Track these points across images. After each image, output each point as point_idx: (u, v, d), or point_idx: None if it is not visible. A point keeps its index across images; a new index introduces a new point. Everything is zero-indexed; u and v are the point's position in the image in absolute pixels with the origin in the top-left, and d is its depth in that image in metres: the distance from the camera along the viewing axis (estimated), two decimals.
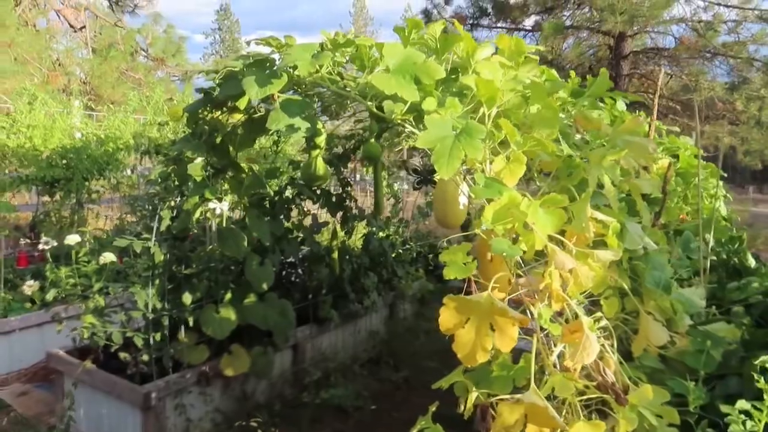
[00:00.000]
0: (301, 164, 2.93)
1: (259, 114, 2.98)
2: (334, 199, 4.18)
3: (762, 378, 1.67)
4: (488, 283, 2.12)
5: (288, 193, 3.74)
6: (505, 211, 1.96)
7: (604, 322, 2.06)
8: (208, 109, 2.80)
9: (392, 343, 4.80)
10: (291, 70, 2.37)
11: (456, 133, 1.95)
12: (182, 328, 3.32)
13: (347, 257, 4.36)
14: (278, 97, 2.35)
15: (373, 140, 2.53)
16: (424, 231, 5.55)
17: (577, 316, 1.89)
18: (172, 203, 3.10)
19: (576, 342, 1.83)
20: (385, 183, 4.46)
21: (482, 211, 2.02)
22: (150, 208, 3.29)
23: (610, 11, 10.66)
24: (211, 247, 3.39)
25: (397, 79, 2.09)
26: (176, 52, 15.35)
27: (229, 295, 3.51)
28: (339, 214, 4.30)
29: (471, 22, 14.78)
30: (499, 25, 14.71)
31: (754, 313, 2.25)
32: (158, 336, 3.18)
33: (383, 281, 4.80)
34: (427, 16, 15.14)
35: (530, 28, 14.76)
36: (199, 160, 2.76)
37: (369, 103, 2.21)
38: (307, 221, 4.23)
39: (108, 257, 3.10)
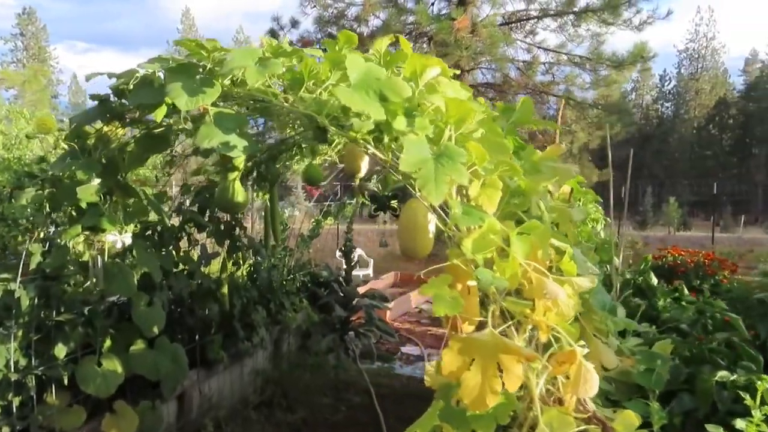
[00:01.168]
0: (216, 189, 2.56)
1: (159, 129, 2.57)
2: (222, 227, 3.78)
3: (745, 394, 1.74)
4: (465, 316, 1.99)
5: (173, 221, 3.29)
6: (484, 240, 1.85)
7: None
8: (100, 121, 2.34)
9: (282, 382, 4.44)
10: (222, 80, 2.06)
11: (434, 156, 1.80)
12: (51, 387, 2.72)
13: (236, 291, 3.96)
14: (209, 109, 2.02)
15: (315, 162, 2.28)
16: (304, 259, 5.27)
17: (561, 347, 1.82)
18: (41, 235, 2.53)
19: (569, 373, 1.75)
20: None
21: (459, 240, 1.89)
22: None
23: (456, 46, 11.32)
24: (87, 286, 2.84)
25: (361, 95, 1.89)
26: None
27: (109, 343, 2.96)
28: (226, 244, 3.90)
29: (318, 47, 14.80)
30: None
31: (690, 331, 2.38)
32: (17, 401, 2.57)
33: (270, 315, 4.44)
34: (274, 36, 14.89)
35: None
36: (95, 181, 2.28)
37: (322, 121, 1.98)
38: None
39: None
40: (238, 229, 3.85)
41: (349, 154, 2.68)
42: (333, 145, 3.77)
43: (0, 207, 4.41)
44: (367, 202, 4.10)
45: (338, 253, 7.40)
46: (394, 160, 2.02)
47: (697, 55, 50.79)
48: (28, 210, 4.54)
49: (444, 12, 14.13)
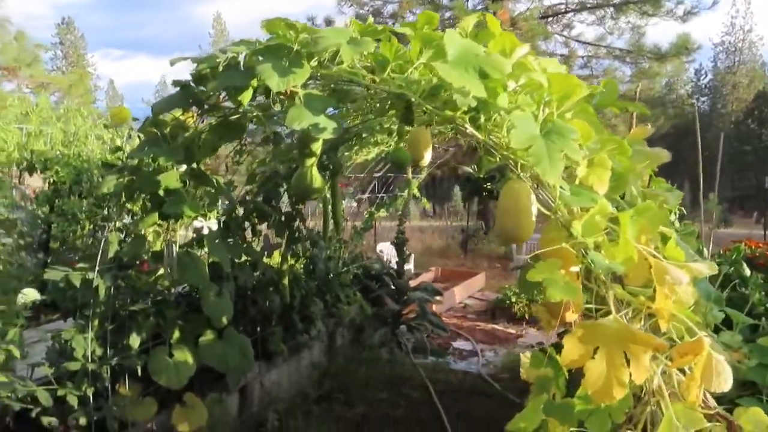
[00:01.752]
0: (294, 175, 2.49)
1: (235, 116, 2.50)
2: (283, 218, 3.72)
3: None
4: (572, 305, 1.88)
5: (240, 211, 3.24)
6: (594, 222, 1.74)
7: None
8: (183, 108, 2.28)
9: (339, 376, 4.38)
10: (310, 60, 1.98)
11: (543, 133, 1.69)
12: (124, 378, 2.69)
13: (295, 283, 3.90)
14: (299, 91, 1.94)
15: (402, 145, 2.18)
16: (356, 252, 5.21)
17: (682, 338, 1.70)
18: (118, 224, 2.49)
19: (692, 365, 1.62)
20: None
21: (567, 223, 1.78)
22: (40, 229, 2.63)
23: None
24: (158, 276, 2.80)
25: (460, 72, 1.79)
26: (32, 62, 13.55)
27: (177, 334, 2.92)
28: (286, 235, 3.84)
29: None
30: None
31: None
32: (91, 391, 2.53)
33: (326, 307, 4.38)
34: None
35: None
36: (181, 168, 2.23)
37: (416, 100, 1.88)
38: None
39: (30, 295, 2.41)
40: (298, 220, 3.79)
41: (414, 141, 2.58)
42: (394, 134, 3.69)
43: (60, 202, 4.44)
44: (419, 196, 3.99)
45: (378, 248, 7.31)
46: (491, 140, 1.93)
47: (733, 48, 49.38)
48: (84, 205, 4.57)
49: (480, 7, 13.94)
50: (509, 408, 4.16)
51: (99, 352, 2.54)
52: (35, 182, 4.81)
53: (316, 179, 2.45)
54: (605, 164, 1.78)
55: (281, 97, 2.04)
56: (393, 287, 5.39)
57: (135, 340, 2.63)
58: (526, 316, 6.99)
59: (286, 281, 3.73)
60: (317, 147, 2.44)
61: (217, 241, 2.89)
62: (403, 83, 1.98)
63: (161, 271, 2.88)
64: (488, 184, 2.31)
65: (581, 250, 1.73)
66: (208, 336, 2.97)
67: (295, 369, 4.15)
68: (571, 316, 1.89)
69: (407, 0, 11.45)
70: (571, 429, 1.77)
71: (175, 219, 2.42)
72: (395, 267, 5.41)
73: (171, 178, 2.26)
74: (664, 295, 1.64)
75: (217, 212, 2.72)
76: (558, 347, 3.20)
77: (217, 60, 2.14)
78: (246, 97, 2.04)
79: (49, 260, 4.69)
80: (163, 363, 2.74)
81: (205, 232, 2.33)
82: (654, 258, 1.67)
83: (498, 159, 1.94)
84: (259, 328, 3.65)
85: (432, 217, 21.84)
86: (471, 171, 2.20)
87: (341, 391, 4.21)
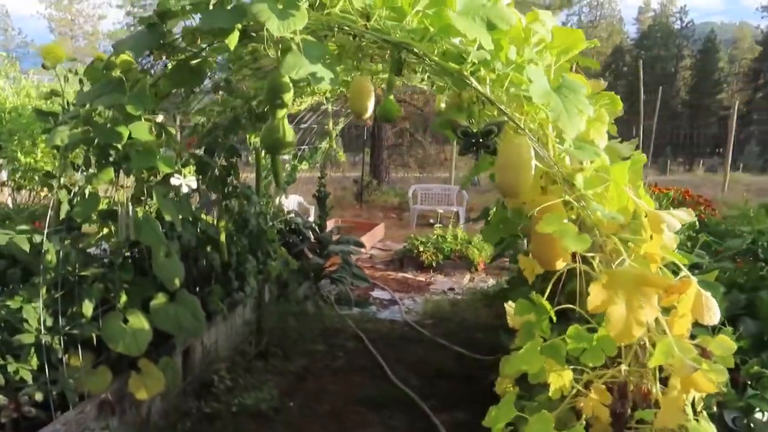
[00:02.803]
0: (264, 128, 2.36)
1: (195, 61, 2.31)
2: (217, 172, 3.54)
3: None
4: (552, 252, 2.00)
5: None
6: (596, 175, 1.85)
7: None
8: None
9: (273, 331, 4.34)
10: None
11: (555, 89, 1.75)
12: (76, 348, 2.48)
13: (230, 240, 3.76)
14: (294, 36, 1.84)
15: (391, 97, 2.13)
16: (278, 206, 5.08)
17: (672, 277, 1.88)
18: (70, 181, 2.23)
19: (679, 302, 1.81)
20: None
21: (569, 176, 1.87)
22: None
23: None
24: (104, 237, 2.57)
25: (468, 22, 1.78)
26: None
27: (124, 298, 2.72)
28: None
29: None
30: None
31: None
32: (36, 363, 2.32)
33: (258, 264, 4.28)
34: None
35: None
36: (158, 117, 2.02)
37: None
38: None
39: None
40: (232, 175, 3.62)
41: (357, 92, 2.52)
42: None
43: None
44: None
45: (293, 200, 7.19)
46: (491, 93, 1.95)
47: (595, 3, 52.95)
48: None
49: None
50: (440, 350, 4.41)
51: (49, 322, 2.32)
52: None
53: (288, 132, 2.35)
54: (603, 119, 1.89)
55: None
56: (315, 241, 5.36)
57: (88, 308, 2.42)
58: (434, 264, 7.29)
59: (223, 238, 3.58)
60: (289, 98, 2.32)
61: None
62: (402, 31, 1.93)
63: (104, 231, 2.64)
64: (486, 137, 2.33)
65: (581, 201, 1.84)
66: (160, 299, 2.81)
67: (230, 327, 4.04)
68: (560, 264, 2.03)
69: None
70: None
71: (135, 174, 2.21)
72: (314, 219, 5.37)
73: (141, 128, 2.04)
74: (657, 240, 1.80)
75: (192, 167, 2.51)
76: (509, 292, 3.36)
77: None
78: (233, 39, 1.89)
79: None
80: (119, 330, 2.55)
81: (185, 190, 2.14)
82: (646, 207, 1.82)
83: (496, 113, 1.98)
84: (198, 288, 3.49)
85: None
86: (467, 125, 2.19)
87: (277, 346, 4.19)
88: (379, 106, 2.15)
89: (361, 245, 5.73)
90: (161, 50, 2.07)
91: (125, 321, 2.60)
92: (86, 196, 2.24)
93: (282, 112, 2.34)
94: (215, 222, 3.58)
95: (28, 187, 4.90)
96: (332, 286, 5.54)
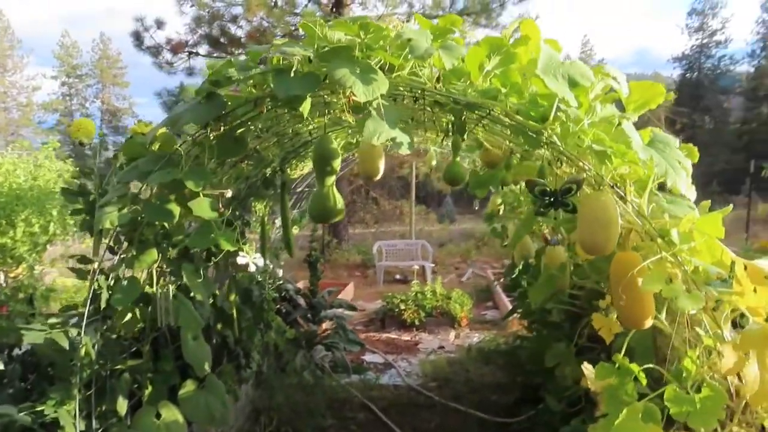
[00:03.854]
0: (312, 196, 2.23)
1: (240, 130, 2.19)
2: None
3: None
4: (643, 311, 1.94)
5: None
6: (688, 229, 1.82)
7: None
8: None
9: (280, 408, 4.05)
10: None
11: (648, 143, 1.73)
12: None
13: (239, 314, 3.52)
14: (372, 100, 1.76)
15: (458, 159, 2.04)
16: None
17: None
18: (99, 267, 2.01)
19: None
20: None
21: (663, 232, 1.83)
22: None
23: None
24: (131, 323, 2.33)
25: (551, 80, 1.76)
26: None
27: (150, 389, 2.46)
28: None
29: (188, 50, 13.84)
30: (219, 54, 14.08)
31: None
32: None
33: (262, 337, 4.03)
34: (138, 39, 13.63)
35: None
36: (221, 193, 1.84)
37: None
38: None
39: None
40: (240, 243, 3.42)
41: (368, 154, 2.45)
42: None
43: None
44: None
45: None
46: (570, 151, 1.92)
47: None
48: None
49: (319, 14, 13.95)
50: (455, 415, 4.24)
51: (82, 424, 2.04)
52: None
53: (339, 200, 2.23)
54: (688, 171, 1.88)
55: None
56: (307, 307, 5.14)
57: (122, 405, 2.16)
58: (416, 322, 7.14)
59: (235, 313, 3.35)
60: (338, 164, 2.23)
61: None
62: (475, 92, 1.89)
63: (128, 316, 2.40)
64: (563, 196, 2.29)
65: (678, 258, 1.80)
66: (188, 387, 2.56)
67: (238, 408, 3.75)
68: (648, 322, 1.97)
69: (255, 3, 11.01)
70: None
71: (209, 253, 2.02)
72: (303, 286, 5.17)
73: (203, 205, 1.87)
74: (763, 293, 1.77)
75: (255, 245, 2.32)
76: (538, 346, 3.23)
77: (240, 64, 1.86)
78: (306, 107, 1.79)
79: None
80: (153, 427, 2.28)
81: (252, 268, 1.95)
82: (743, 259, 1.79)
83: (574, 170, 1.94)
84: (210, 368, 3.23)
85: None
86: (544, 183, 2.13)
87: (288, 424, 3.91)
88: (445, 170, 2.07)
89: (354, 308, 5.55)
90: (219, 121, 1.93)
91: (158, 416, 2.34)
92: (125, 282, 2.02)
93: (331, 180, 2.23)
94: (226, 296, 3.35)
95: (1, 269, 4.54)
96: (324, 353, 5.30)
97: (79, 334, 1.93)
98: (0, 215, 3.88)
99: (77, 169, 2.14)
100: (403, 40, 1.75)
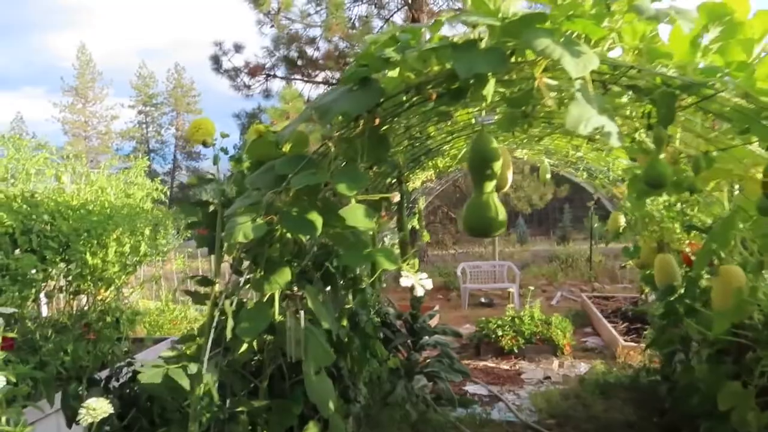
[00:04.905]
0: (464, 205, 1.85)
1: (384, 127, 1.83)
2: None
3: None
4: None
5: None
6: None
7: None
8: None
9: None
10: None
11: None
12: None
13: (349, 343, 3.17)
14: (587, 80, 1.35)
15: (662, 156, 1.62)
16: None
17: None
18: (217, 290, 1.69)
19: None
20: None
21: None
22: None
23: None
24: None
25: None
26: None
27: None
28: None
29: (266, 73, 13.97)
30: (295, 76, 14.15)
31: None
32: None
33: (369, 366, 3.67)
34: (216, 62, 13.89)
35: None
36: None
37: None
38: None
39: (99, 408, 1.53)
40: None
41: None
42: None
43: (3, 258, 3.38)
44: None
45: None
46: None
47: None
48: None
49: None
50: None
51: None
52: None
53: (500, 210, 1.83)
54: None
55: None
56: (407, 332, 4.74)
57: None
58: (515, 350, 6.60)
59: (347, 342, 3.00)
60: (498, 167, 1.83)
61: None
62: (695, 70, 1.45)
63: (243, 347, 2.07)
64: None
65: None
66: (312, 430, 2.19)
67: None
68: None
69: (335, 23, 10.94)
70: None
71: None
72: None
73: (357, 213, 1.52)
74: None
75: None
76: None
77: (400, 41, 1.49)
78: (490, 90, 1.40)
79: None
80: None
81: (420, 292, 1.56)
82: None
83: None
84: None
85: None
86: None
87: None
88: (646, 169, 1.63)
89: (459, 334, 5.09)
90: (372, 112, 1.58)
91: None
92: (258, 307, 1.69)
93: (491, 185, 1.84)
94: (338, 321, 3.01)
95: (86, 292, 4.39)
96: (423, 384, 4.87)
97: (199, 371, 1.60)
98: (92, 235, 3.71)
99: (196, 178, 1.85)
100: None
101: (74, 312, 4.40)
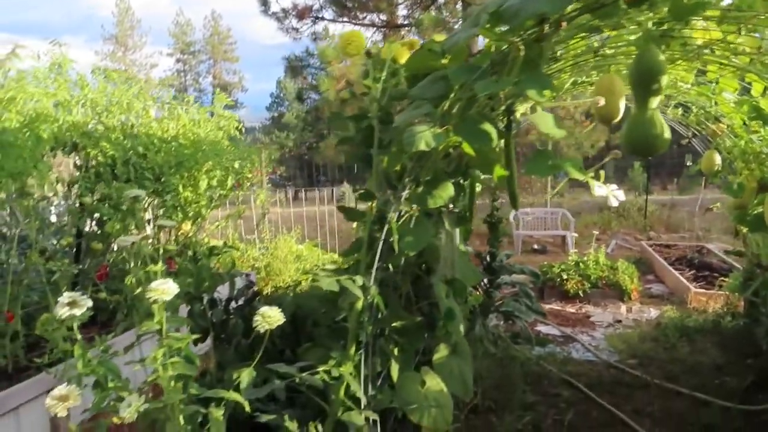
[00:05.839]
0: (628, 123, 1.77)
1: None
2: None
3: None
4: None
5: None
6: None
7: None
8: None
9: (481, 380, 3.70)
10: None
11: None
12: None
13: None
14: None
15: None
16: None
17: None
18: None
19: None
20: None
21: None
22: None
23: None
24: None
25: None
26: None
27: (396, 352, 2.13)
28: None
29: (314, 15, 13.72)
30: (343, 19, 13.86)
31: None
32: None
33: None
34: (264, 4, 13.67)
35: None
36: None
37: None
38: None
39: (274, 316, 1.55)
40: None
41: (608, 92, 1.91)
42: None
43: (107, 188, 3.44)
44: None
45: None
46: None
47: None
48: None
49: None
50: (677, 398, 3.68)
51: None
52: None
53: (665, 127, 1.75)
54: None
55: None
56: (485, 271, 4.73)
57: (395, 370, 1.84)
58: (580, 294, 6.56)
59: None
60: (665, 81, 1.74)
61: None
62: None
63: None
64: None
65: None
66: (442, 352, 2.20)
67: None
68: None
69: None
70: None
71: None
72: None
73: (547, 120, 1.47)
74: None
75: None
76: None
77: None
78: None
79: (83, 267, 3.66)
80: (419, 396, 1.95)
81: (614, 203, 1.52)
82: None
83: None
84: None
85: None
86: None
87: (489, 399, 3.54)
88: None
89: (537, 275, 5.06)
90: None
91: (422, 383, 2.01)
92: (417, 224, 1.67)
93: (656, 101, 1.75)
94: None
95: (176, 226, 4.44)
96: (496, 323, 4.89)
97: (365, 284, 1.60)
98: (184, 167, 3.73)
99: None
100: None
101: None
